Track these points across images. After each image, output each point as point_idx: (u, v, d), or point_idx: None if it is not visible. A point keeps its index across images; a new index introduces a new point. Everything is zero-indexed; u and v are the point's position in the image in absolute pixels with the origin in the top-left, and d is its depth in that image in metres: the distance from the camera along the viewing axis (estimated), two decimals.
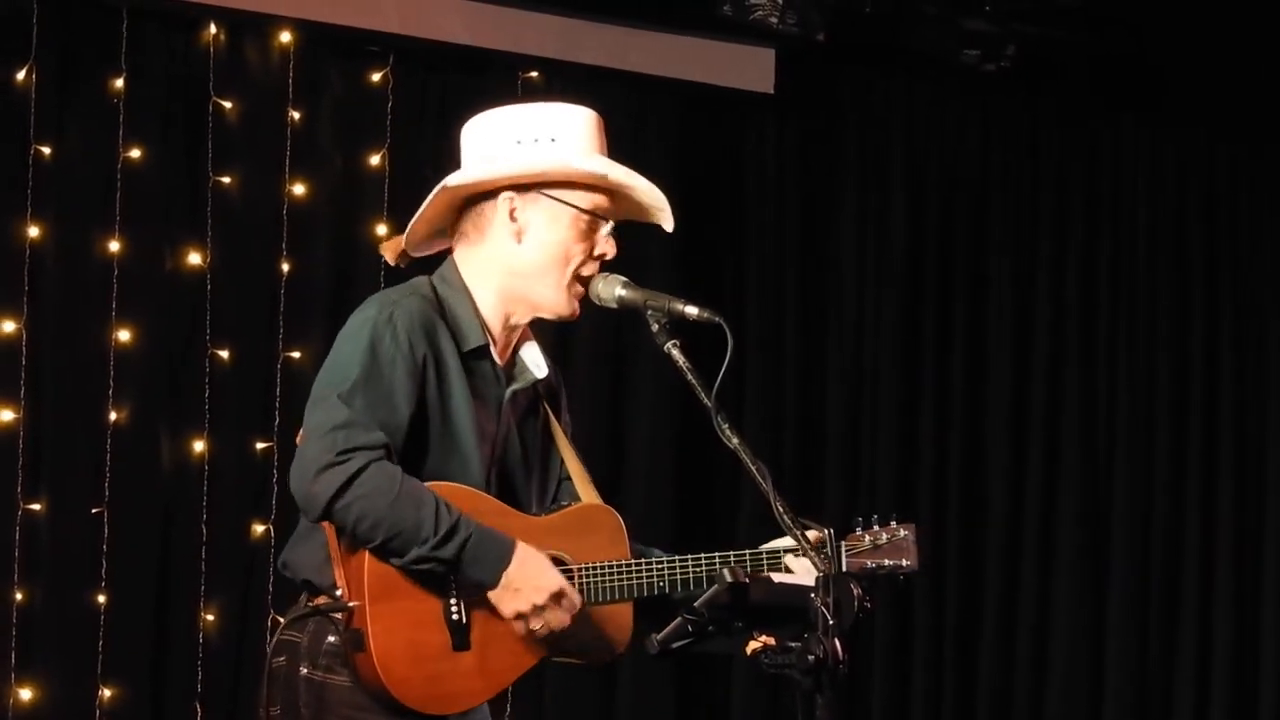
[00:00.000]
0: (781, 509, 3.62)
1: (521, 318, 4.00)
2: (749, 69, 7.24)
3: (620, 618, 3.96)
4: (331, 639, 3.79)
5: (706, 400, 3.68)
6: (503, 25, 6.84)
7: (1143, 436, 7.91)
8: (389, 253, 4.08)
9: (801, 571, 3.91)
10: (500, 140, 3.95)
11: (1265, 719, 7.91)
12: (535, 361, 4.02)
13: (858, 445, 7.52)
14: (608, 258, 3.96)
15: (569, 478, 4.08)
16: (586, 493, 4.05)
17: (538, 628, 3.82)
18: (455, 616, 3.80)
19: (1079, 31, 7.39)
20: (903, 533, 4.12)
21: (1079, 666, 7.74)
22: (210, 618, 6.40)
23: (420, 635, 3.78)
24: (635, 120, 7.12)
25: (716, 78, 7.21)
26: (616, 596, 3.93)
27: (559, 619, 3.82)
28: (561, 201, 3.93)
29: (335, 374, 3.80)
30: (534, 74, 6.90)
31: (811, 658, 3.33)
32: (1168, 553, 7.89)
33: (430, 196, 3.97)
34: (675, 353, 3.78)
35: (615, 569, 3.93)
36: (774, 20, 6.91)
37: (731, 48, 7.18)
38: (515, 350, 4.03)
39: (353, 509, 3.71)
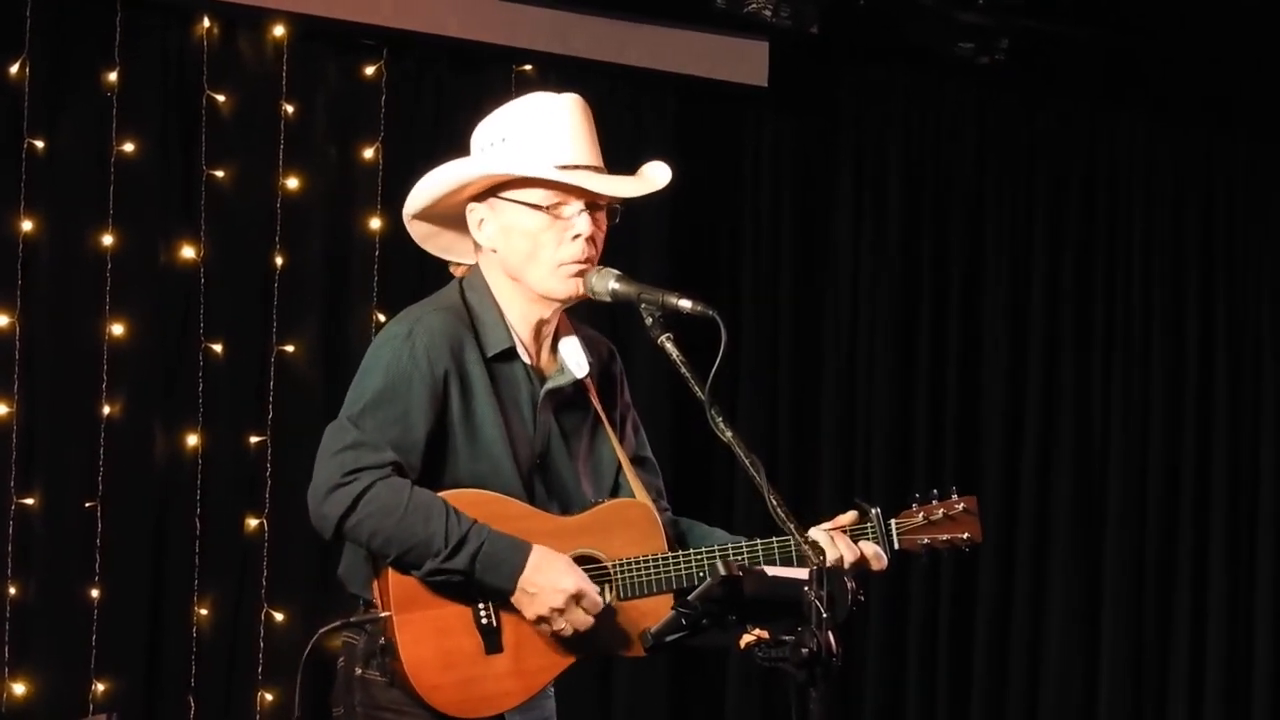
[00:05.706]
0: (775, 502, 3.62)
1: (544, 309, 3.97)
2: (742, 62, 7.22)
3: (660, 610, 3.89)
4: (382, 641, 3.82)
5: (700, 394, 3.68)
6: (496, 18, 6.84)
7: (1138, 429, 7.90)
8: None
9: (871, 555, 3.96)
10: (472, 150, 3.96)
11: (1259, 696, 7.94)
12: (576, 360, 4.00)
13: (852, 439, 7.51)
14: (583, 235, 3.90)
15: (621, 470, 4.06)
16: (638, 486, 4.03)
17: (560, 629, 3.82)
18: (485, 620, 3.82)
19: (1074, 24, 7.39)
20: (961, 505, 4.12)
21: (1073, 662, 7.74)
22: (204, 611, 6.40)
23: (449, 641, 3.80)
24: (629, 113, 7.12)
25: (710, 71, 7.20)
26: (653, 590, 3.92)
27: (580, 620, 3.81)
28: (514, 201, 3.91)
29: (353, 395, 3.84)
30: (527, 67, 6.89)
31: (805, 651, 3.33)
32: (1162, 552, 7.88)
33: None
34: (669, 346, 3.78)
35: (650, 563, 3.93)
36: (768, 13, 6.91)
37: (725, 40, 7.17)
38: (555, 344, 4.01)
39: (363, 527, 3.74)
